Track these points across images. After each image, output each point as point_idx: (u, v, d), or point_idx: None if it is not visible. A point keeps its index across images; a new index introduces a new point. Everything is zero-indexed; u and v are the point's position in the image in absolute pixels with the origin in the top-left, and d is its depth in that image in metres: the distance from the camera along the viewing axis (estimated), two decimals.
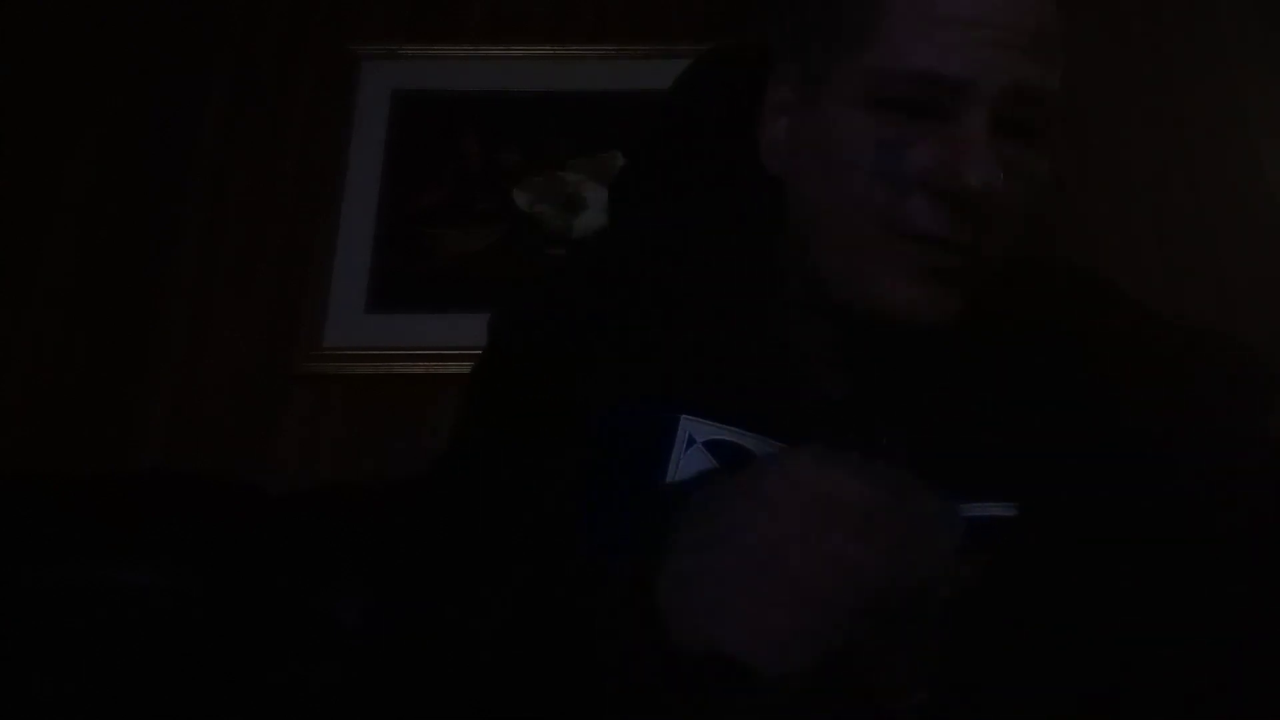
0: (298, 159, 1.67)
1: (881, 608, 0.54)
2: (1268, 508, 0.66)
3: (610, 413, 0.69)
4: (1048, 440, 0.67)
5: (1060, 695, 0.62)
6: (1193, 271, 1.62)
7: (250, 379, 1.52)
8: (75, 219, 1.62)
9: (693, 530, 0.58)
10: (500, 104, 1.72)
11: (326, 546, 1.20)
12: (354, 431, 1.49)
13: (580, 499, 0.68)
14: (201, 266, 1.60)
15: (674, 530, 0.59)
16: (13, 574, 1.12)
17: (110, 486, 1.25)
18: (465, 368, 1.49)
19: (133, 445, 1.47)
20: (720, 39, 1.81)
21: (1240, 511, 0.66)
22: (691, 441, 0.68)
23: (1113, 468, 0.66)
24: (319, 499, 1.28)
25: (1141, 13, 1.82)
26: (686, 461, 0.68)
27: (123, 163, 1.66)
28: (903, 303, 0.66)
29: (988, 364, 0.71)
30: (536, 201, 1.65)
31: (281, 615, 1.13)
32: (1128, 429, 0.68)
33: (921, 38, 0.64)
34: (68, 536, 1.16)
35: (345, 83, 1.71)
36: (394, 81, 1.73)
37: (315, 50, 1.75)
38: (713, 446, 0.68)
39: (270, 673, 1.09)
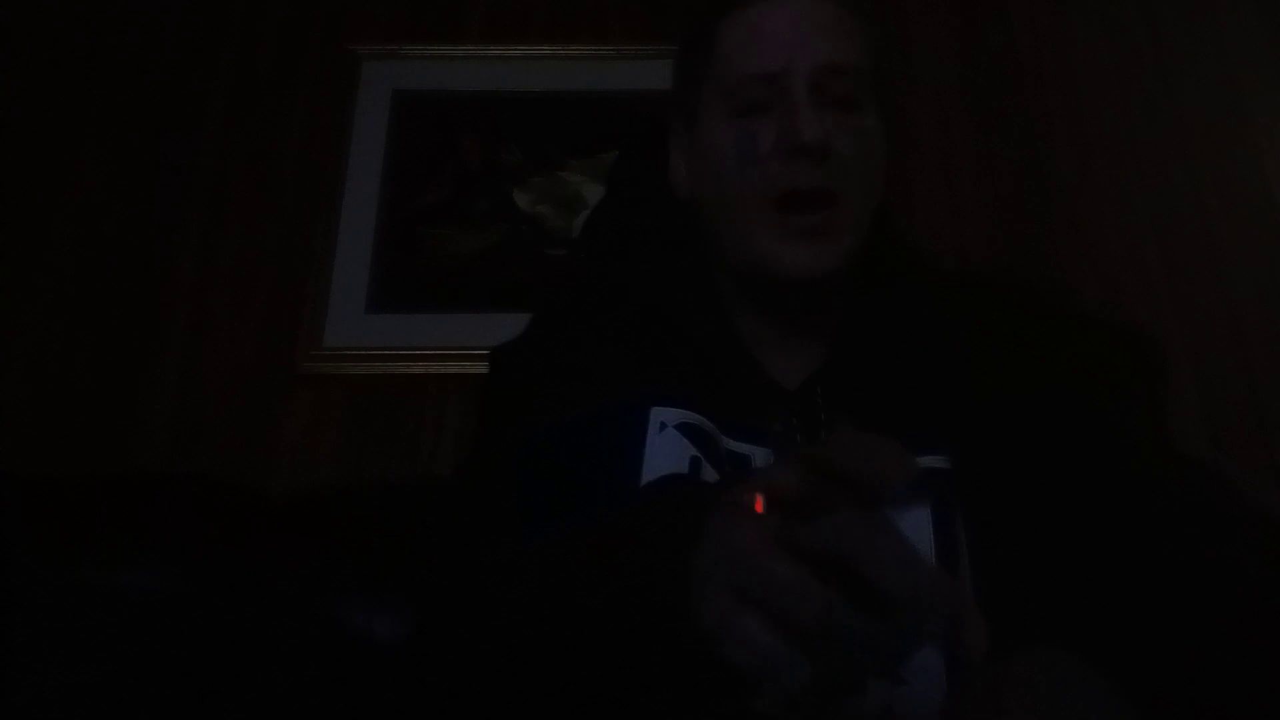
0: (298, 159, 1.67)
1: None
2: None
3: (591, 411, 0.79)
4: (972, 397, 0.79)
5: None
6: (1193, 272, 1.63)
7: (250, 379, 1.52)
8: (77, 220, 1.62)
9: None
10: (500, 104, 1.72)
11: (327, 547, 1.19)
12: (354, 431, 1.49)
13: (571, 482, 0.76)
14: (202, 267, 1.60)
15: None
16: (13, 575, 1.12)
17: (111, 487, 1.25)
18: (465, 368, 1.52)
19: (133, 446, 1.47)
20: None
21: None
22: (663, 427, 0.77)
23: (1031, 423, 0.76)
24: (319, 499, 1.27)
25: (1141, 13, 1.82)
26: (661, 443, 0.77)
27: (124, 163, 1.66)
28: (788, 261, 0.81)
29: (906, 337, 0.84)
30: (536, 201, 1.65)
31: (281, 616, 1.13)
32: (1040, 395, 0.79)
33: (743, 53, 0.84)
34: (68, 537, 1.16)
35: (345, 83, 1.72)
36: (394, 81, 1.73)
37: (315, 50, 1.75)
38: (683, 429, 0.78)
39: (270, 673, 1.09)
